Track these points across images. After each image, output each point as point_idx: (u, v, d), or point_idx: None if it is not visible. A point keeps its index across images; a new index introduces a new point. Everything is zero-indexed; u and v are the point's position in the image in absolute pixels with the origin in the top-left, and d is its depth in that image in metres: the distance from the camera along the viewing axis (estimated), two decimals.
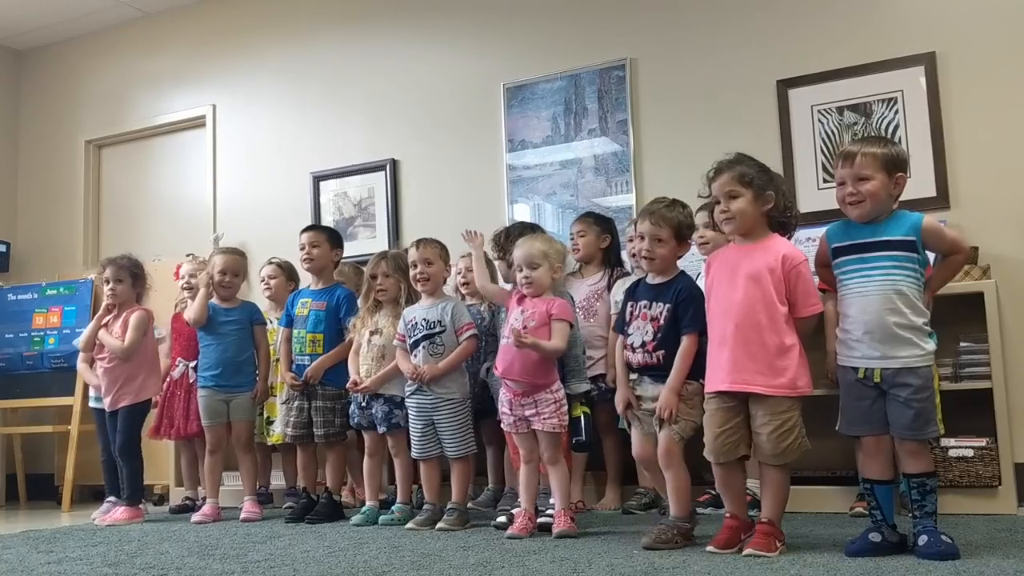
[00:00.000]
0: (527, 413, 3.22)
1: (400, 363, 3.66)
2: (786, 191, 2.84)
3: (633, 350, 2.97)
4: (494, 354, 3.78)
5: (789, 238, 2.83)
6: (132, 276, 4.28)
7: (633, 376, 2.99)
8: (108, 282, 4.25)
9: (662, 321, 2.91)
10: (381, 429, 3.73)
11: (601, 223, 4.11)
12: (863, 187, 2.58)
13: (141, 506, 4.26)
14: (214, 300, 4.27)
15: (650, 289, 3.00)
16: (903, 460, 2.58)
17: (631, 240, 3.86)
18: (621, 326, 3.07)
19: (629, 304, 3.04)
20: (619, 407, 3.03)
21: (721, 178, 2.77)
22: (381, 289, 3.82)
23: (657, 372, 2.92)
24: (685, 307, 2.88)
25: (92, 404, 4.51)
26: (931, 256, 2.76)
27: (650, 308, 2.96)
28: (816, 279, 2.82)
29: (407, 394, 3.62)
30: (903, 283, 2.56)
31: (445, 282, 3.76)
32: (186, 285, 4.73)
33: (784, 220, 2.81)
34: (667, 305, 2.92)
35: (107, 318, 4.29)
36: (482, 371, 3.81)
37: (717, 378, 2.73)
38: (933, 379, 2.56)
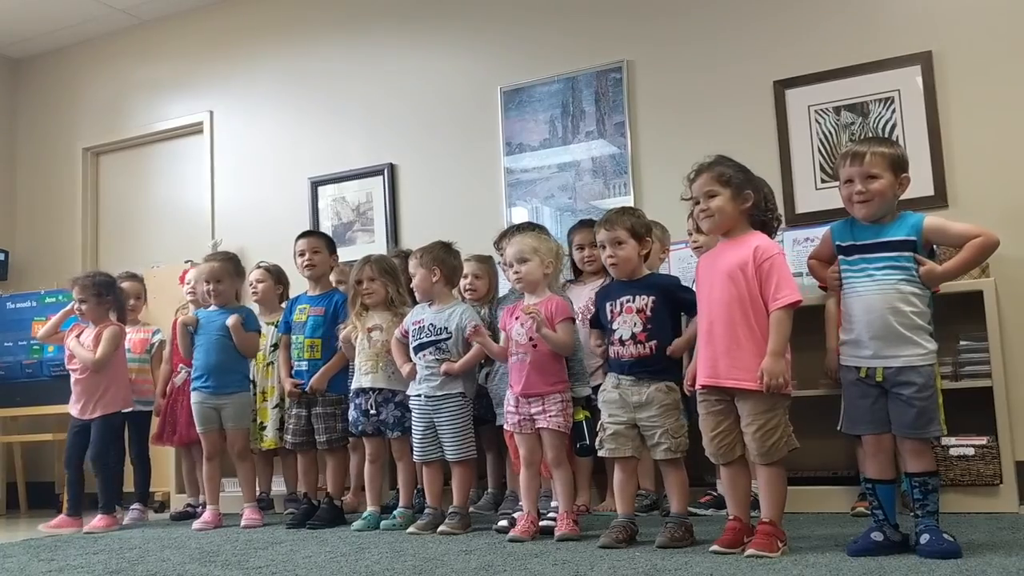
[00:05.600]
0: (533, 411, 3.22)
1: (396, 357, 3.66)
2: (767, 192, 2.86)
3: (622, 343, 2.98)
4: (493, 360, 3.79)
5: (772, 237, 2.84)
6: (96, 296, 4.35)
7: (615, 379, 3.00)
8: (76, 301, 4.39)
9: (649, 312, 2.96)
10: (395, 434, 3.70)
11: None
12: (871, 185, 2.58)
13: (116, 514, 4.33)
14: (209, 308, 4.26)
15: (627, 285, 3.05)
16: (905, 459, 2.58)
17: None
18: (600, 323, 3.11)
19: (608, 305, 3.07)
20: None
21: (700, 179, 2.80)
22: (367, 293, 3.81)
23: (650, 367, 2.93)
24: (684, 293, 2.99)
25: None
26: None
27: (633, 301, 2.99)
28: (796, 278, 2.84)
29: (411, 393, 3.61)
30: (905, 283, 2.56)
31: (452, 283, 3.70)
32: (191, 291, 4.72)
33: (765, 219, 2.83)
34: (652, 296, 2.97)
35: (77, 324, 4.41)
36: (480, 377, 3.80)
37: (699, 373, 2.78)
38: (935, 378, 2.57)
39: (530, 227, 3.77)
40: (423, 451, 3.56)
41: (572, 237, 4.00)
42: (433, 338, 3.55)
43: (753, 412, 2.66)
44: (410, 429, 3.67)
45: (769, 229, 2.86)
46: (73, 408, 4.36)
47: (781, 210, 4.15)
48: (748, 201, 2.76)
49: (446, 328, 3.55)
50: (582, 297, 3.89)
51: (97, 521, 4.19)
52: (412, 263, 3.65)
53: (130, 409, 4.46)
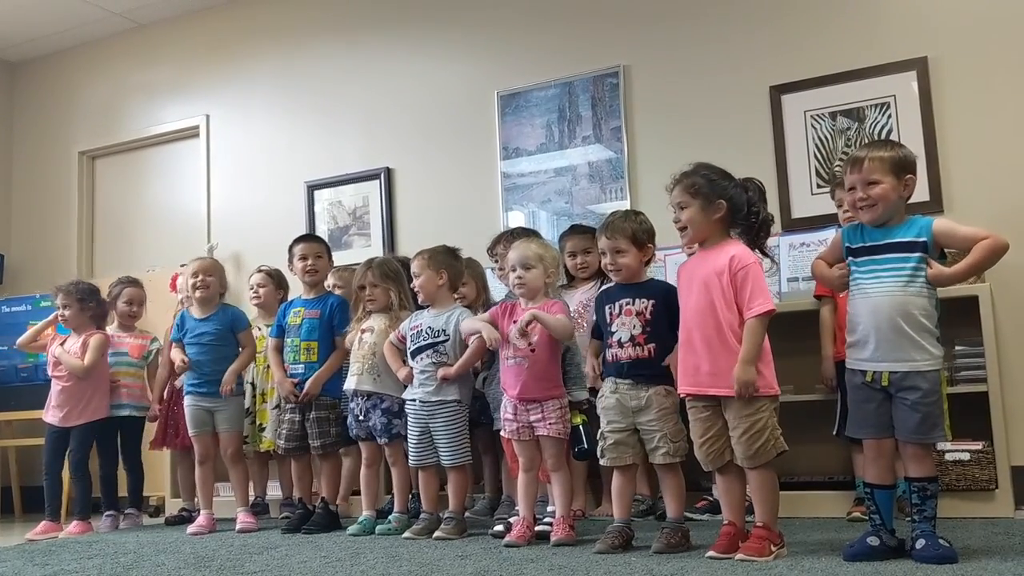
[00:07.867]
0: (532, 419, 3.21)
1: (390, 362, 3.65)
2: (751, 197, 2.79)
3: (621, 346, 2.97)
4: (489, 363, 3.78)
5: (757, 242, 2.81)
6: (79, 302, 4.46)
7: (612, 384, 2.99)
8: (59, 308, 4.49)
9: (648, 315, 2.95)
10: (383, 440, 3.70)
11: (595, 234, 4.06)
12: (872, 191, 2.58)
13: (92, 520, 4.41)
14: (191, 311, 4.27)
15: (628, 288, 3.03)
16: (906, 463, 2.58)
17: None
18: (601, 331, 3.10)
19: (607, 307, 3.06)
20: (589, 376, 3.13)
21: (675, 190, 2.82)
22: (370, 299, 3.82)
23: (647, 370, 2.92)
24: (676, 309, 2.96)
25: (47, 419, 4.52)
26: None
27: (633, 304, 2.98)
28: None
29: (407, 398, 3.60)
30: (915, 285, 2.55)
31: (454, 288, 3.70)
32: (186, 297, 4.72)
33: (747, 224, 2.79)
34: (652, 300, 2.96)
35: (59, 333, 4.48)
36: (478, 381, 3.80)
37: (681, 381, 2.81)
38: (941, 384, 2.57)
39: (524, 232, 3.77)
40: (418, 456, 3.55)
41: (563, 244, 3.99)
42: (431, 341, 3.55)
43: (738, 416, 2.66)
44: (399, 435, 3.67)
45: (750, 233, 2.80)
46: (52, 415, 4.41)
47: (777, 215, 4.19)
48: (719, 211, 2.76)
49: (444, 330, 3.55)
50: (573, 302, 3.89)
51: (73, 527, 4.29)
52: (418, 264, 3.63)
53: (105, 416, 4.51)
